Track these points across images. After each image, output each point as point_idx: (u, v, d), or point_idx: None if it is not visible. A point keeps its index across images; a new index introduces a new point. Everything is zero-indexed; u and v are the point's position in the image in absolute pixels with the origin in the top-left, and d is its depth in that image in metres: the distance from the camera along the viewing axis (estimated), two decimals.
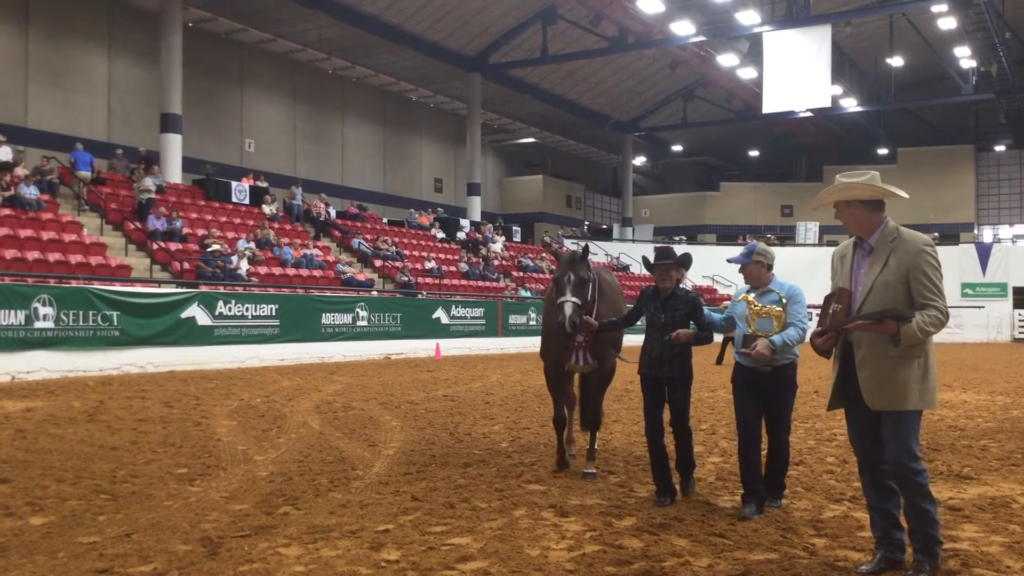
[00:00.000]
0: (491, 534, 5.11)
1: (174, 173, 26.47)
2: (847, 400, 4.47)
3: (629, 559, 4.64)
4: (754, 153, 58.64)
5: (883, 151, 51.50)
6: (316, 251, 25.40)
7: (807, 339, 4.74)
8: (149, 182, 22.62)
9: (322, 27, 32.27)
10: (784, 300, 5.68)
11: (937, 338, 4.41)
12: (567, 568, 4.50)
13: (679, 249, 6.55)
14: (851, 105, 41.66)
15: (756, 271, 5.84)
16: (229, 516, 5.46)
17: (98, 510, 5.58)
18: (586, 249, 7.05)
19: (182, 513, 5.52)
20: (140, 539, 4.91)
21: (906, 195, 4.45)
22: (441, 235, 35.30)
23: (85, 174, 22.95)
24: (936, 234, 41.69)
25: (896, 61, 40.23)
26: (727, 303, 19.36)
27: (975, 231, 50.30)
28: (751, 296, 5.78)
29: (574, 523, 5.40)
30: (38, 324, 14.94)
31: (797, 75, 32.49)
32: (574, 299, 6.60)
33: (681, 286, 6.27)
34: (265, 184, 28.87)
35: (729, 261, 6.22)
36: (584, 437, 7.68)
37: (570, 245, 43.32)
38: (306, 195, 30.01)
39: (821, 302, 4.67)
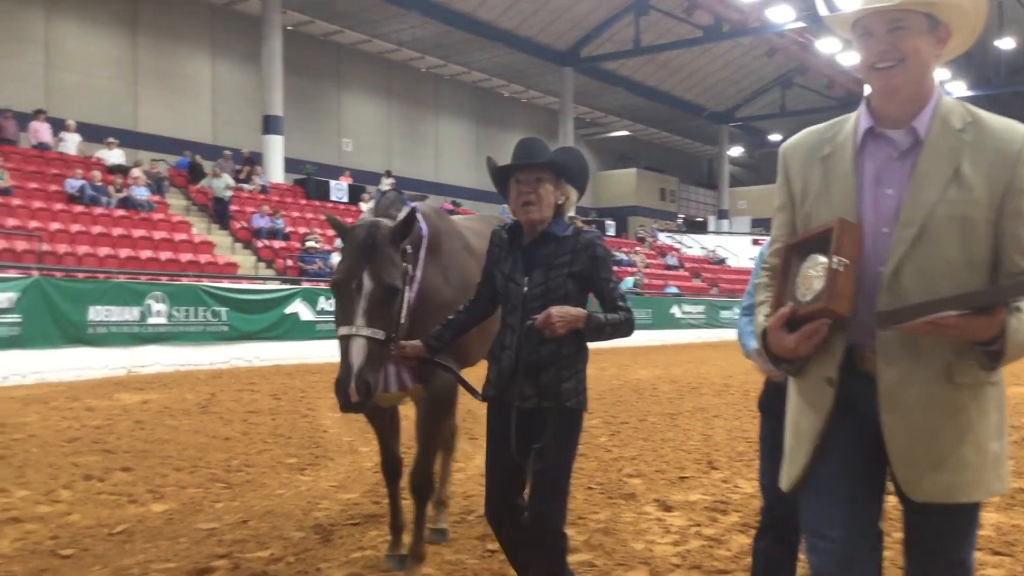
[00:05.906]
0: (595, 527, 5.13)
1: (276, 173, 27.23)
2: (836, 463, 2.23)
3: (736, 555, 4.60)
4: None
5: None
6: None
7: (764, 332, 2.30)
8: (218, 182, 22.99)
9: (415, 26, 32.75)
10: None
11: None
12: (673, 562, 4.48)
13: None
14: (959, 90, 39.95)
15: None
16: (339, 505, 5.62)
17: (215, 498, 5.81)
18: (410, 216, 3.60)
19: (294, 501, 5.70)
20: (256, 526, 5.10)
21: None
22: None
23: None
24: None
25: (1006, 43, 38.48)
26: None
27: None
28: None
29: (678, 518, 5.37)
30: (151, 320, 15.57)
31: None
32: (369, 331, 3.42)
33: (567, 220, 3.31)
34: (392, 180, 29.43)
35: None
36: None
37: (658, 236, 42.68)
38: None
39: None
